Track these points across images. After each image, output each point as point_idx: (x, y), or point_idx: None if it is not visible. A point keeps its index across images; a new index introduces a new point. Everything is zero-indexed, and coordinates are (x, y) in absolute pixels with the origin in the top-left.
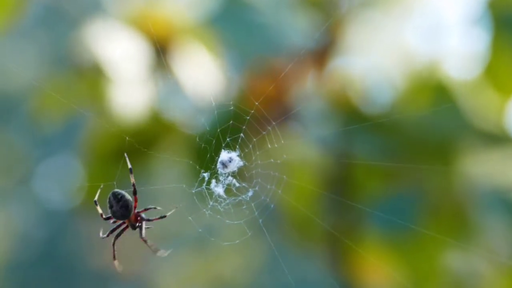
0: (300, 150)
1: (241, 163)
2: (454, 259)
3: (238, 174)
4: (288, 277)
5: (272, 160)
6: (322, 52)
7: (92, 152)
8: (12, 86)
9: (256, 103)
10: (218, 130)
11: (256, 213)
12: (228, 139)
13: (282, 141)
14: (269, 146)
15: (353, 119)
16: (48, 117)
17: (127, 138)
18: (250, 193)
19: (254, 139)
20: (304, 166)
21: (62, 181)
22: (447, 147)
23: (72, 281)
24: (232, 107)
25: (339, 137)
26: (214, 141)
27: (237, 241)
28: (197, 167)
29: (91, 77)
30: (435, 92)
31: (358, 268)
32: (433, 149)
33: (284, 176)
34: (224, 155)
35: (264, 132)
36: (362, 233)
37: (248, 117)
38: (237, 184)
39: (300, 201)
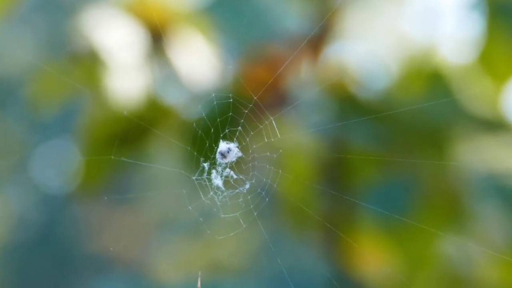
0: (295, 137)
1: (240, 154)
2: (449, 247)
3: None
4: (281, 266)
5: (267, 153)
6: (318, 38)
7: (89, 137)
8: (9, 72)
9: (255, 98)
10: (218, 120)
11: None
12: (227, 130)
13: (278, 134)
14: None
15: (348, 106)
16: (45, 102)
17: (125, 112)
18: (247, 186)
19: (252, 132)
20: (299, 152)
21: (59, 165)
22: (442, 133)
23: (69, 265)
24: (231, 99)
25: (334, 123)
26: (212, 129)
27: (232, 233)
28: (195, 153)
29: (88, 63)
30: (430, 79)
31: (352, 255)
32: (428, 136)
33: (280, 171)
34: (222, 145)
35: (261, 126)
36: (356, 221)
37: (246, 111)
38: (235, 176)
39: (294, 187)
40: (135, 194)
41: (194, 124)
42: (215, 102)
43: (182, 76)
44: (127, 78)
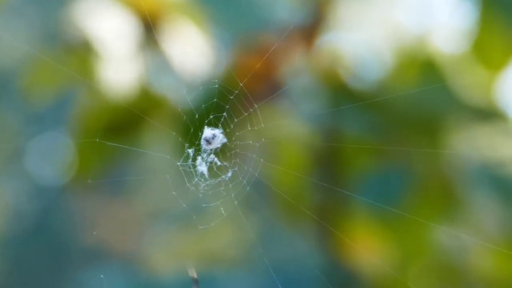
0: (288, 126)
1: (225, 140)
2: (443, 237)
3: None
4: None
5: (250, 142)
6: (311, 27)
7: (83, 128)
8: (2, 63)
9: (241, 84)
10: (203, 106)
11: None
12: (211, 116)
13: (262, 124)
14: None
15: (342, 95)
16: (39, 93)
17: (125, 104)
18: (229, 174)
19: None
20: (290, 141)
21: (53, 157)
22: (436, 122)
23: (63, 257)
24: (216, 85)
25: (327, 112)
26: (197, 116)
27: (212, 224)
28: (180, 139)
29: (81, 53)
30: (424, 68)
31: (345, 245)
32: (422, 125)
33: (262, 159)
34: (207, 131)
35: (245, 114)
36: (348, 211)
37: (231, 97)
38: (219, 163)
39: (287, 176)
40: (120, 178)
41: (179, 109)
42: (200, 88)
43: (174, 65)
44: (120, 68)
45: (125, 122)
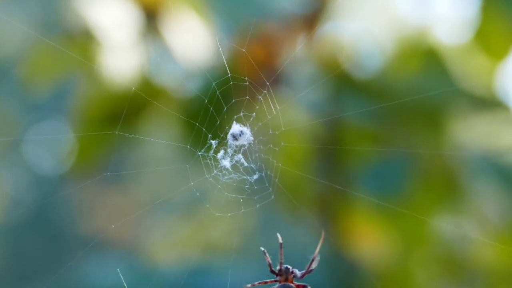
0: (290, 115)
1: (252, 138)
2: (445, 224)
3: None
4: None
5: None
6: (312, 16)
7: (83, 117)
8: (2, 51)
9: (246, 83)
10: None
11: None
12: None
13: (277, 107)
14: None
15: (343, 84)
16: (38, 82)
17: (133, 88)
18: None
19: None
20: (294, 130)
21: (53, 146)
22: (437, 111)
23: (62, 247)
24: (230, 81)
25: (329, 101)
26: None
27: (229, 214)
28: (204, 129)
29: (82, 42)
30: (425, 57)
31: (348, 233)
32: (424, 114)
33: (276, 162)
34: (235, 127)
35: (260, 96)
36: (352, 199)
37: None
38: (245, 164)
39: (290, 165)
40: (129, 171)
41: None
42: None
43: (176, 54)
44: (121, 57)
45: (129, 111)
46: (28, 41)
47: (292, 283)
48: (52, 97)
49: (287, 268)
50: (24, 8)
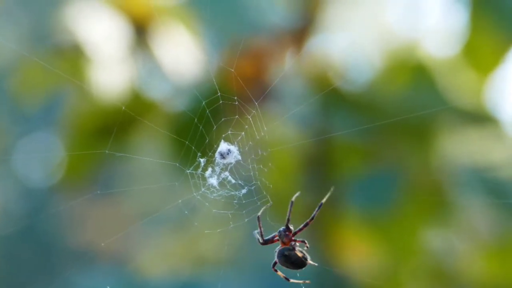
0: (280, 130)
1: (239, 157)
2: (433, 237)
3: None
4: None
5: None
6: (301, 30)
7: (72, 130)
8: None
9: (236, 103)
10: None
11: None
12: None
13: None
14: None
15: (332, 98)
16: (29, 94)
17: (123, 107)
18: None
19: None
20: (283, 145)
21: (42, 158)
22: (426, 126)
23: (51, 258)
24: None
25: (318, 115)
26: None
27: (218, 230)
28: (193, 147)
29: (71, 56)
30: (414, 71)
31: (338, 246)
32: (412, 128)
33: (265, 168)
34: (223, 146)
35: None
36: (341, 211)
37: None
38: (233, 181)
39: (279, 179)
40: (118, 188)
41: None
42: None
43: (165, 68)
44: (110, 71)
45: (116, 125)
46: (18, 54)
47: (292, 240)
48: (42, 109)
49: (284, 230)
50: (14, 22)
